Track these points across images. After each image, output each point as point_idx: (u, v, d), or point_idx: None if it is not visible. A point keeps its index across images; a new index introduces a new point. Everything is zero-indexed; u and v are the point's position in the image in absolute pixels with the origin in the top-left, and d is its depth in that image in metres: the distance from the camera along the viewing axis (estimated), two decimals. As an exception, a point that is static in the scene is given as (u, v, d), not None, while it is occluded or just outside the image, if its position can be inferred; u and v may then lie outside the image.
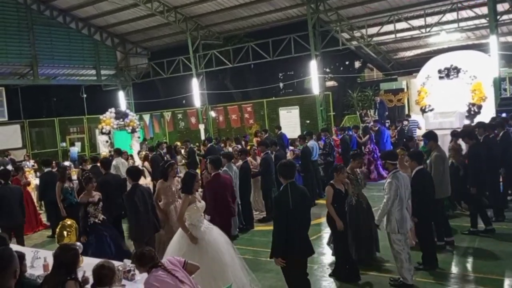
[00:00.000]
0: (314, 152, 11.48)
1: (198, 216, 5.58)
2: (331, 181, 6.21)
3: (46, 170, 10.28)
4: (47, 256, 5.13)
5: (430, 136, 7.43)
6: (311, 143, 11.58)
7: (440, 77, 17.59)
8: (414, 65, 20.34)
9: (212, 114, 23.36)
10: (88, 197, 6.81)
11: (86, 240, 6.42)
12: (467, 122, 15.68)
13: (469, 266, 6.55)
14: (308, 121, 20.75)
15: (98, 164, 10.19)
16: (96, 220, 6.70)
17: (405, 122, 15.38)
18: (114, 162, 11.55)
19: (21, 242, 7.99)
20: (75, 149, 21.21)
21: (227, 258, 5.35)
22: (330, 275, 6.34)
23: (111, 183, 8.12)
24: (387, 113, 17.98)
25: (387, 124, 16.23)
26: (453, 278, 6.06)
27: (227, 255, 5.38)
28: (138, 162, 14.11)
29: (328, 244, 7.01)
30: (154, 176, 11.87)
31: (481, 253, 6.87)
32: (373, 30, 18.58)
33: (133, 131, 18.92)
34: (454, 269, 6.39)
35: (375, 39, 19.10)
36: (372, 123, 16.24)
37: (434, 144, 7.26)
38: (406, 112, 18.75)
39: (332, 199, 6.01)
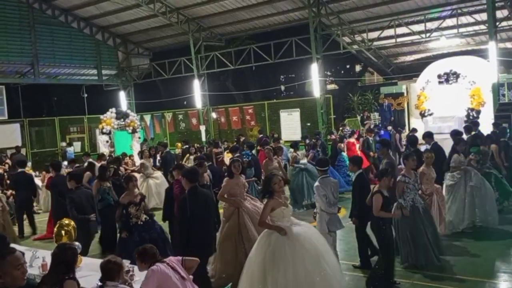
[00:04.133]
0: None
1: (284, 221, 5.06)
2: (377, 188, 5.77)
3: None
4: (46, 255, 5.16)
5: (384, 143, 7.92)
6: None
7: (440, 82, 17.66)
8: (414, 70, 20.41)
9: (213, 115, 23.41)
10: (129, 197, 6.49)
11: (127, 236, 6.25)
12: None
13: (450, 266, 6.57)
14: (308, 124, 20.79)
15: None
16: (139, 222, 6.40)
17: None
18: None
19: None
20: (72, 149, 21.14)
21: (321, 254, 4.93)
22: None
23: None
24: (392, 118, 17.99)
25: (389, 128, 16.27)
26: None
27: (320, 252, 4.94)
28: (138, 163, 14.15)
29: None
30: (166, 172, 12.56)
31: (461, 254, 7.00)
32: (373, 35, 18.65)
33: (134, 131, 18.96)
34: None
35: (375, 43, 19.17)
36: (373, 126, 16.28)
37: (386, 152, 7.58)
38: (406, 116, 18.81)
39: (381, 207, 5.59)
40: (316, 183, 6.19)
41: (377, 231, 5.72)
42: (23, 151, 19.58)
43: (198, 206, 5.23)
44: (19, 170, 10.44)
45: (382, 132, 15.58)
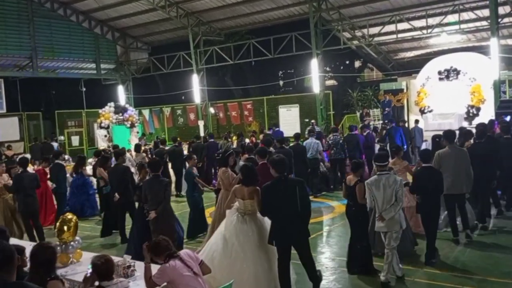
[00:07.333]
0: (308, 150, 11.49)
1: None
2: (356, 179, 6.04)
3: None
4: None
5: (444, 135, 7.74)
6: (309, 140, 11.63)
7: (440, 79, 17.62)
8: (414, 66, 20.38)
9: (212, 110, 23.33)
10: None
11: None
12: (465, 124, 15.75)
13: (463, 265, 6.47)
14: (307, 120, 20.74)
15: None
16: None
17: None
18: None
19: (39, 227, 8.08)
20: (55, 145, 20.83)
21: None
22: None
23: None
24: (385, 112, 17.85)
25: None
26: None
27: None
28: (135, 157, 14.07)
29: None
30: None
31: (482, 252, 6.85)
32: (374, 30, 18.59)
33: (132, 126, 18.93)
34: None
35: (376, 39, 19.09)
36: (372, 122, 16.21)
37: (446, 143, 7.49)
38: (406, 112, 18.77)
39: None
40: (371, 179, 5.75)
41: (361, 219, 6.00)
42: (21, 144, 19.45)
43: (279, 196, 5.14)
44: (56, 161, 9.61)
45: (371, 125, 15.45)
